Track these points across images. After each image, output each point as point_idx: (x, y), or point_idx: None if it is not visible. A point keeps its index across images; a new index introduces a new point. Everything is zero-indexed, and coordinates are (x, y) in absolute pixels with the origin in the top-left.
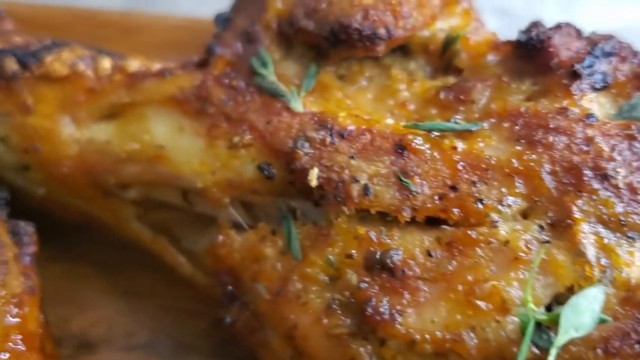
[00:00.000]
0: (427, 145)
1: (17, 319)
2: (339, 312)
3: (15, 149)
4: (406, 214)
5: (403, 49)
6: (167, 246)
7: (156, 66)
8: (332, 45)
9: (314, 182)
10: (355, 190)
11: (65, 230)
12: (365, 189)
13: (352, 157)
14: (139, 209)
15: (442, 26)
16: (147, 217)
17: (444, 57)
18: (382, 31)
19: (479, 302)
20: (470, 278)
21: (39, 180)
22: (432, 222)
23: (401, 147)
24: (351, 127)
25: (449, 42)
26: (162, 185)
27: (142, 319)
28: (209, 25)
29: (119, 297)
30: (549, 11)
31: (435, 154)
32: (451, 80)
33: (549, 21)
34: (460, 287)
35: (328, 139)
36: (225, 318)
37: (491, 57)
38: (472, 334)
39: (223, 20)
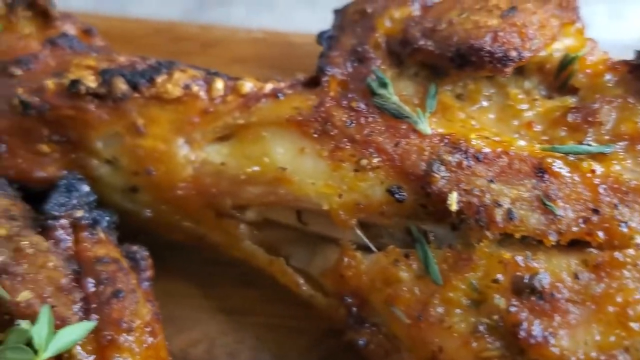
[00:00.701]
0: (567, 169)
1: (152, 349)
2: (486, 335)
3: (125, 171)
4: (552, 238)
5: (518, 68)
6: (284, 267)
7: (268, 87)
8: (458, 66)
9: (454, 207)
10: (499, 214)
11: (159, 249)
12: (510, 214)
13: (491, 181)
14: (251, 228)
15: (558, 46)
16: (257, 236)
17: (559, 77)
18: (513, 53)
19: (631, 324)
20: (620, 300)
21: (147, 202)
22: (574, 244)
23: (541, 171)
24: (486, 150)
25: (567, 63)
26: (280, 206)
27: (243, 337)
28: (285, 38)
29: (218, 316)
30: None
31: (576, 177)
32: (570, 100)
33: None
34: (610, 309)
35: (464, 162)
36: (357, 340)
37: (608, 77)
38: (626, 355)
39: (327, 38)
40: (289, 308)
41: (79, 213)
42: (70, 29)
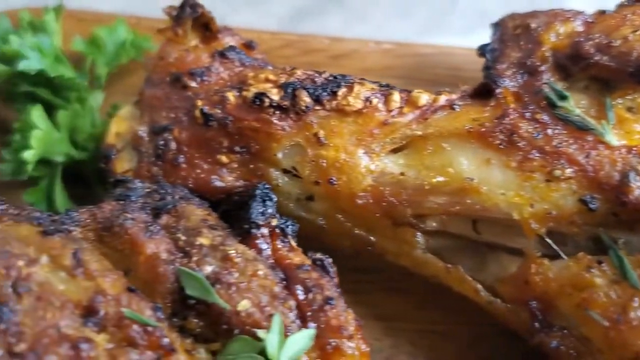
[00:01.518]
0: None
1: (365, 356)
2: None
3: (304, 180)
4: None
5: None
6: (461, 274)
7: (442, 99)
8: (638, 82)
9: None
10: None
11: None
12: None
13: None
14: (427, 237)
15: None
16: (430, 245)
17: None
18: None
19: None
20: None
21: (322, 210)
22: None
23: None
24: None
25: None
26: (462, 216)
27: (397, 343)
28: (414, 49)
29: (370, 322)
30: None
31: None
32: None
33: None
34: None
35: None
36: (548, 343)
37: None
38: None
39: (491, 51)
40: (439, 314)
41: (274, 222)
42: (231, 42)
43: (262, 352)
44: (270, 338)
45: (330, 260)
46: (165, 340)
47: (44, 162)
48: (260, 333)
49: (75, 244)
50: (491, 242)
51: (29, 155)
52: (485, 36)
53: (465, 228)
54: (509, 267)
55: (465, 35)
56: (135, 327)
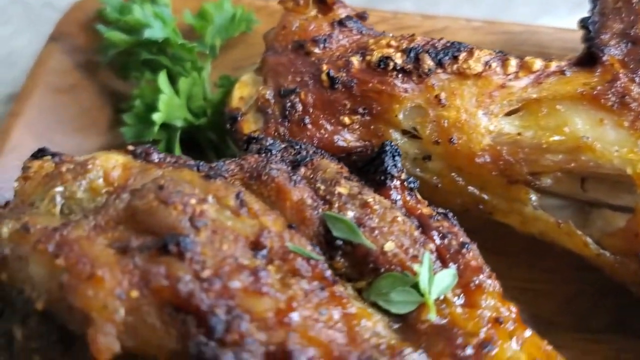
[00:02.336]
0: None
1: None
2: None
3: (424, 140)
4: None
5: None
6: (572, 228)
7: (554, 65)
8: None
9: None
10: None
11: None
12: None
13: None
14: (540, 195)
15: None
16: (540, 202)
17: None
18: None
19: None
20: None
21: (437, 169)
22: None
23: None
24: None
25: None
26: (576, 173)
27: None
28: (503, 27)
29: None
30: None
31: None
32: None
33: None
34: None
35: None
36: None
37: None
38: None
39: (592, 23)
40: (536, 273)
41: (404, 176)
42: (345, 13)
43: (412, 288)
44: (422, 274)
45: (452, 214)
46: (328, 272)
47: (163, 126)
48: (416, 267)
49: (235, 187)
50: (597, 200)
51: (157, 117)
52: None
53: (574, 187)
54: (615, 223)
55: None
56: (299, 259)
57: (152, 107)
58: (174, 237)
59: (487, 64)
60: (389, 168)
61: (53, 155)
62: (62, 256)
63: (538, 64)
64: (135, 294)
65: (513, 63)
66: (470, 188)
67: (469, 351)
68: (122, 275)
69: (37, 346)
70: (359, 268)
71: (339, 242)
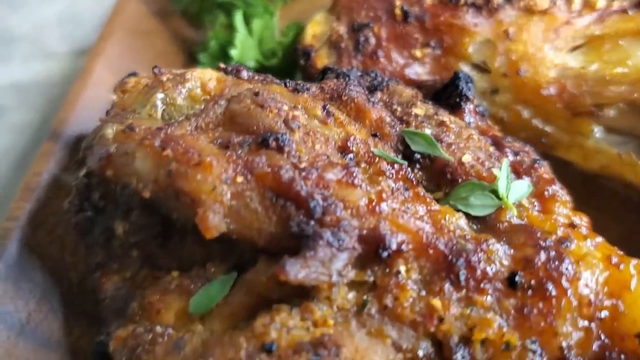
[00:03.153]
0: None
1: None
2: None
3: (493, 73)
4: None
5: None
6: (634, 159)
7: (615, 4)
8: None
9: None
10: None
11: None
12: None
13: None
14: (600, 128)
15: None
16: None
17: None
18: None
19: None
20: None
21: (504, 102)
22: None
23: None
24: None
25: None
26: (635, 104)
27: None
28: None
29: None
30: None
31: None
32: None
33: None
34: None
35: None
36: None
37: None
38: None
39: None
40: (590, 212)
41: (476, 101)
42: None
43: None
44: (501, 178)
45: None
46: (411, 175)
47: None
48: (495, 171)
49: (321, 101)
50: None
51: (234, 53)
52: None
53: (636, 119)
54: None
55: None
56: (384, 163)
57: (226, 48)
58: (272, 134)
59: (552, 1)
60: (463, 90)
61: (153, 67)
62: (169, 148)
63: (601, 2)
64: (240, 179)
65: (577, 1)
66: (535, 121)
67: (550, 242)
68: (227, 163)
69: (136, 240)
70: (436, 180)
71: (417, 156)
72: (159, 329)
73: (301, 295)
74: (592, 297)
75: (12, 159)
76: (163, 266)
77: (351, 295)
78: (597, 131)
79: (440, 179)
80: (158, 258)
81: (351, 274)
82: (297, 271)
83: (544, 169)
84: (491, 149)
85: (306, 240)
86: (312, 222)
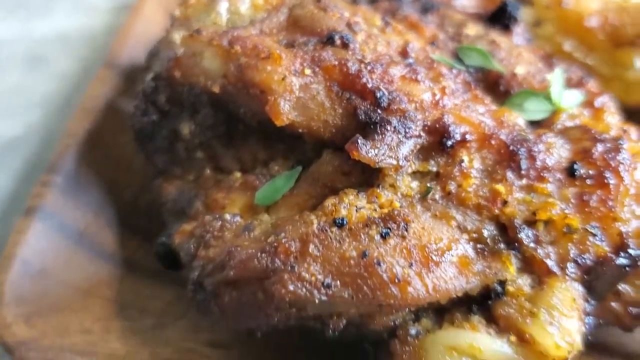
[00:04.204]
0: None
1: None
2: None
3: (536, 5)
4: None
5: None
6: None
7: None
8: None
9: None
10: None
11: None
12: None
13: None
14: None
15: None
16: None
17: None
18: None
19: None
20: None
21: (547, 34)
22: None
23: None
24: None
25: None
26: None
27: None
28: None
29: None
30: None
31: None
32: None
33: None
34: None
35: None
36: None
37: None
38: None
39: None
40: None
41: (523, 26)
42: None
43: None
44: (554, 84)
45: None
46: (470, 78)
47: None
48: (548, 76)
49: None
50: None
51: None
52: None
53: None
54: None
55: None
56: (443, 68)
57: None
58: (337, 33)
59: None
60: (512, 12)
61: None
62: (238, 45)
63: None
64: (308, 71)
65: None
66: (576, 54)
67: (606, 136)
68: (294, 57)
69: (201, 140)
70: (490, 92)
71: (471, 70)
72: (227, 216)
73: (366, 186)
74: None
75: (58, 105)
76: (226, 168)
77: (415, 184)
78: (639, 62)
79: (494, 91)
80: (222, 159)
81: (415, 164)
82: (367, 150)
83: (593, 83)
84: (540, 64)
85: (374, 126)
86: (379, 111)
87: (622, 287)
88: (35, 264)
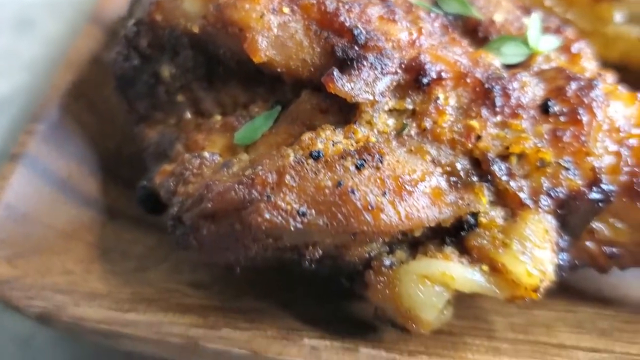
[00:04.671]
0: None
1: None
2: None
3: None
4: None
5: None
6: None
7: None
8: None
9: None
10: None
11: None
12: None
13: None
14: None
15: None
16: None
17: None
18: None
19: None
20: None
21: None
22: None
23: None
24: None
25: None
26: None
27: None
28: None
29: None
30: None
31: None
32: None
33: None
34: None
35: None
36: None
37: None
38: None
39: None
40: None
41: None
42: None
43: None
44: (531, 30)
45: None
46: (447, 22)
47: None
48: (525, 20)
49: None
50: None
51: None
52: None
53: None
54: None
55: None
56: (422, 12)
57: None
58: None
59: None
60: None
61: None
62: None
63: None
64: (286, 10)
65: None
66: (557, 9)
67: (580, 76)
68: None
69: (182, 83)
70: (469, 38)
71: (450, 18)
72: (206, 154)
73: (344, 124)
74: (621, 122)
75: (45, 68)
76: (207, 111)
77: (391, 121)
78: (618, 17)
79: (473, 37)
80: (202, 102)
81: (392, 102)
82: (343, 83)
83: (571, 31)
84: (519, 12)
85: (351, 62)
86: (357, 48)
87: (597, 225)
88: (19, 208)
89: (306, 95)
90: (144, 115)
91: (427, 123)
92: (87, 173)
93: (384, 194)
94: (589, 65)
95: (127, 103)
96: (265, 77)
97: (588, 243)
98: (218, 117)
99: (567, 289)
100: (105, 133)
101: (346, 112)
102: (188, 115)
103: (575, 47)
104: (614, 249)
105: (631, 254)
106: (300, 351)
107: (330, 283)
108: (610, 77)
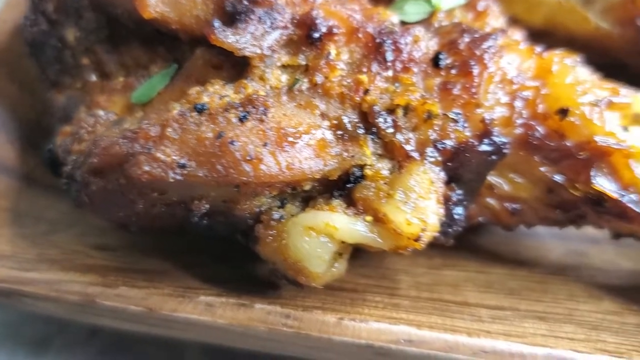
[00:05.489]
0: None
1: None
2: None
3: None
4: None
5: None
6: (572, 5)
7: None
8: None
9: None
10: None
11: None
12: None
13: None
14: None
15: None
16: None
17: None
18: None
19: None
20: None
21: None
22: None
23: None
24: None
25: None
26: None
27: None
28: None
29: None
30: None
31: None
32: None
33: None
34: None
35: None
36: None
37: None
38: None
39: None
40: None
41: None
42: None
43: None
44: None
45: None
46: None
47: None
48: None
49: None
50: None
51: None
52: None
53: None
54: None
55: None
56: None
57: None
58: None
59: None
60: None
61: None
62: None
63: None
64: None
65: None
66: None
67: (475, 29)
68: None
69: (86, 46)
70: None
71: None
72: (101, 112)
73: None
74: (514, 74)
75: None
76: (111, 74)
77: (284, 77)
78: None
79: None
80: (106, 65)
81: (284, 57)
82: (226, 35)
83: None
84: None
85: (239, 16)
86: (246, 2)
87: (496, 180)
88: None
89: (200, 51)
90: (54, 80)
91: (319, 78)
92: (5, 140)
93: (264, 144)
94: (495, 22)
95: (40, 69)
96: (165, 36)
97: (489, 199)
98: (121, 79)
99: (482, 251)
100: (26, 103)
101: (240, 69)
102: (93, 78)
103: (481, 5)
104: (516, 205)
105: (533, 210)
106: (195, 308)
107: (232, 245)
108: (518, 34)
